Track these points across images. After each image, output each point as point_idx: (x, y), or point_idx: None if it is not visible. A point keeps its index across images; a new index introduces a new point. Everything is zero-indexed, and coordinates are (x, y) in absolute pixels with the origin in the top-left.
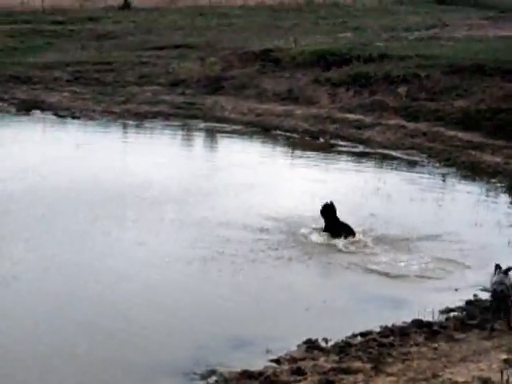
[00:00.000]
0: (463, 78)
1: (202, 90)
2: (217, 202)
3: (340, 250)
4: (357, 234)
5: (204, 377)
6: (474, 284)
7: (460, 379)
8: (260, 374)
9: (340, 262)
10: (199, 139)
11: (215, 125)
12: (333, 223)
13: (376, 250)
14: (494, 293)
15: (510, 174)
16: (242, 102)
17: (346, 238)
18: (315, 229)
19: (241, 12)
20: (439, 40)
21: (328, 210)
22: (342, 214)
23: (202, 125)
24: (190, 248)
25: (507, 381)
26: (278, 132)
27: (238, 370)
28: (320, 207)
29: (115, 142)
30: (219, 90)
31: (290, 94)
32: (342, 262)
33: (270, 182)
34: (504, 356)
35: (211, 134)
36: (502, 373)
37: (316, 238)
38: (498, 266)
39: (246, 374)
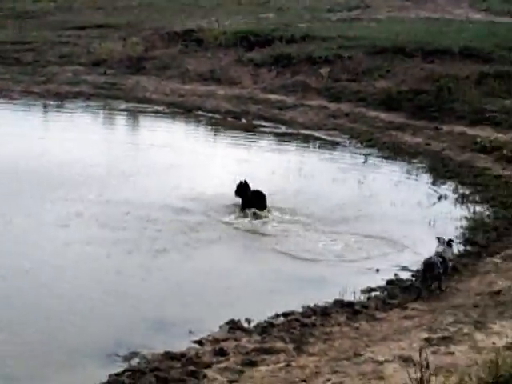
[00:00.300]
0: (385, 59)
1: (123, 71)
2: (139, 183)
3: (263, 233)
4: (278, 214)
5: (126, 359)
6: (395, 264)
7: (381, 358)
8: (182, 355)
9: (261, 244)
10: (121, 120)
11: (137, 105)
12: (248, 201)
13: (298, 230)
14: (424, 262)
15: (430, 155)
16: (165, 83)
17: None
18: (236, 209)
19: None
20: (361, 21)
21: (242, 189)
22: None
23: (124, 105)
24: (112, 230)
25: (426, 359)
26: (201, 112)
27: (161, 351)
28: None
29: (34, 123)
30: (141, 70)
31: (212, 75)
32: (264, 243)
33: (193, 162)
34: (424, 335)
35: (133, 114)
36: (420, 351)
37: (237, 218)
38: (439, 239)
39: (169, 356)
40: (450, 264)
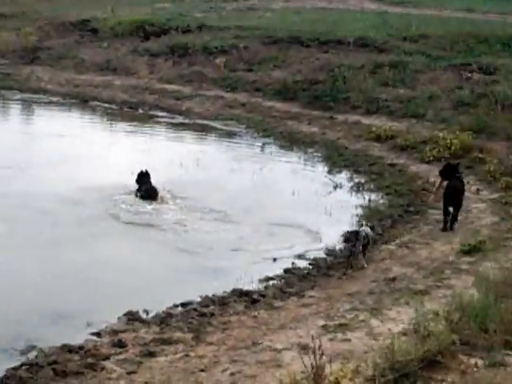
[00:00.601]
0: (280, 49)
1: (17, 61)
2: (34, 175)
3: (160, 224)
4: (174, 205)
5: (24, 352)
6: (292, 253)
7: (279, 346)
8: (80, 347)
9: (158, 235)
10: (16, 110)
11: (32, 96)
12: (146, 189)
13: (195, 220)
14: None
15: (326, 144)
16: (60, 73)
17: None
18: (131, 198)
19: None
20: (257, 11)
21: (143, 178)
22: (162, 185)
23: (18, 96)
24: (5, 223)
25: (320, 346)
26: (97, 103)
27: (58, 344)
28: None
29: None
30: (36, 60)
31: (108, 65)
32: (161, 234)
33: (90, 153)
34: (321, 322)
35: (28, 105)
36: (312, 338)
37: (132, 207)
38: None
39: (66, 349)
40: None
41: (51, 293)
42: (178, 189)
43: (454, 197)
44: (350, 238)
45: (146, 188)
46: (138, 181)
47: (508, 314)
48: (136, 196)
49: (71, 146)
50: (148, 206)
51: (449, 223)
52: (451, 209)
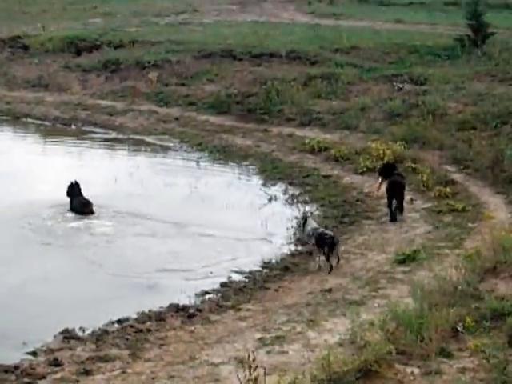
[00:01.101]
0: (214, 62)
1: None
2: None
3: (90, 241)
4: (107, 220)
5: None
6: (228, 266)
7: (216, 360)
8: (16, 367)
9: (90, 251)
10: None
11: None
12: (77, 201)
13: (128, 235)
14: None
15: (260, 157)
16: None
17: (88, 213)
18: (61, 213)
19: None
20: (189, 25)
21: (73, 189)
22: (95, 200)
23: None
24: None
25: (254, 360)
26: (29, 120)
27: None
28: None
29: None
30: None
31: (40, 81)
32: (92, 250)
33: (19, 169)
34: (258, 335)
35: None
36: (248, 352)
37: (60, 224)
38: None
39: (2, 368)
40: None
41: None
42: (111, 203)
43: (395, 190)
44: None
45: (78, 200)
46: (68, 193)
47: (443, 323)
48: (69, 210)
49: (2, 162)
50: (79, 222)
51: (395, 215)
52: (394, 201)
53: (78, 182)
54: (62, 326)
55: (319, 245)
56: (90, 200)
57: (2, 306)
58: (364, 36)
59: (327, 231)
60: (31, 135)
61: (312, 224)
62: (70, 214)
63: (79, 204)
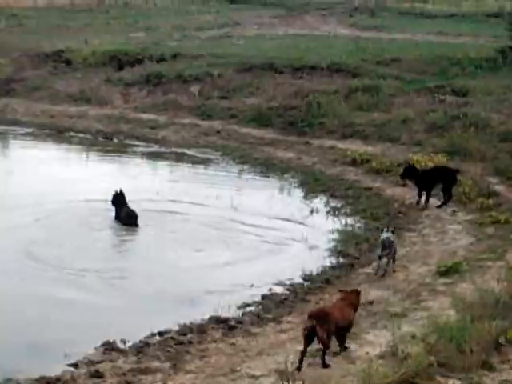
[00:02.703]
0: (255, 75)
1: None
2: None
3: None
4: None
5: None
6: (269, 278)
7: (257, 373)
8: (58, 379)
9: (131, 264)
10: None
11: (7, 128)
12: (122, 211)
13: (166, 248)
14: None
15: (301, 169)
16: (35, 104)
17: (133, 225)
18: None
19: (31, 13)
20: (231, 39)
21: (118, 199)
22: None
23: None
24: None
25: (293, 372)
26: (72, 133)
27: (36, 376)
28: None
29: None
30: (10, 92)
31: (82, 95)
32: (134, 262)
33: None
34: (299, 347)
35: (3, 137)
36: (286, 364)
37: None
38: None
39: (44, 380)
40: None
41: (27, 324)
42: (154, 216)
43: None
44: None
45: (125, 211)
46: (113, 202)
47: (484, 335)
48: (116, 219)
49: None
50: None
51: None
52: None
53: (123, 191)
54: (103, 338)
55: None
56: (136, 212)
57: (45, 317)
58: (405, 48)
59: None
60: (75, 149)
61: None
62: (117, 224)
63: (126, 215)
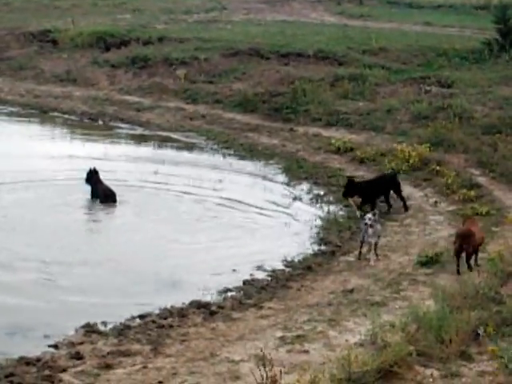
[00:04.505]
0: (241, 61)
1: None
2: None
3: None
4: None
5: None
6: (251, 264)
7: (237, 357)
8: (38, 359)
9: (111, 244)
10: None
11: None
12: (99, 189)
13: (149, 229)
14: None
15: (286, 156)
16: (19, 84)
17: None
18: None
19: None
20: (218, 23)
21: (92, 176)
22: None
23: None
24: None
25: (271, 357)
26: (57, 114)
27: (15, 356)
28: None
29: None
30: None
31: (68, 76)
32: (114, 243)
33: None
34: (280, 333)
35: None
36: (262, 350)
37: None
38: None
39: (24, 361)
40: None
41: (6, 305)
42: (136, 200)
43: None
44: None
45: (102, 189)
46: (87, 180)
47: (464, 325)
48: (92, 198)
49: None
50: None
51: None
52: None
53: (97, 168)
54: (83, 320)
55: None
56: (113, 190)
57: (26, 298)
58: (392, 38)
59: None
60: (59, 129)
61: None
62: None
63: (103, 193)
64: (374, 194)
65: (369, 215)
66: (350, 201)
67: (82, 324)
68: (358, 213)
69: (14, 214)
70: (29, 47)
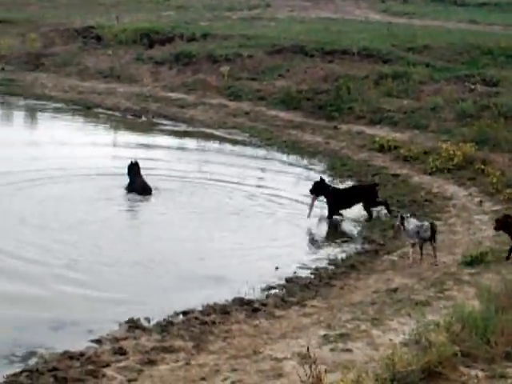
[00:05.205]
0: (285, 58)
1: (22, 67)
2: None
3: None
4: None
5: (24, 359)
6: (294, 262)
7: (280, 355)
8: (81, 354)
9: (154, 241)
10: (19, 117)
11: (35, 102)
12: (136, 181)
13: (189, 225)
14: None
15: (329, 154)
16: (64, 80)
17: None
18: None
19: None
20: (262, 20)
21: (132, 168)
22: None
23: (22, 102)
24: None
25: (315, 356)
26: (100, 110)
27: (59, 351)
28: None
29: None
30: (40, 66)
31: (112, 72)
32: (156, 240)
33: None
34: (323, 332)
35: (31, 111)
36: (308, 349)
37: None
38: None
39: (67, 355)
40: None
41: (52, 300)
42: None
43: None
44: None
45: (140, 182)
46: (129, 173)
47: (509, 326)
48: (127, 190)
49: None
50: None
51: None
52: None
53: (138, 161)
54: (127, 316)
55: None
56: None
57: (70, 293)
58: (437, 35)
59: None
60: (102, 126)
61: (414, 223)
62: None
63: (140, 186)
64: (341, 203)
65: (402, 216)
66: (312, 199)
67: (125, 319)
68: (308, 213)
69: (51, 209)
70: (73, 43)
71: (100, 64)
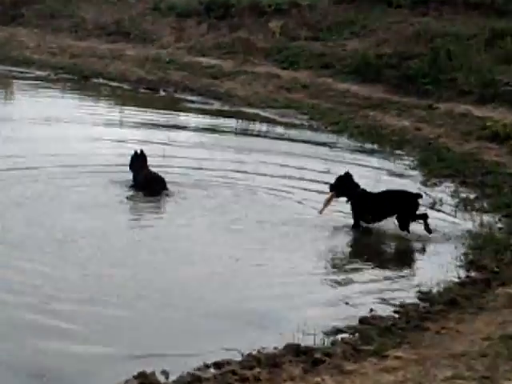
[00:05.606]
0: (360, 9)
1: None
2: None
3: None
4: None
5: None
6: (370, 295)
7: None
8: None
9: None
10: None
11: (11, 68)
12: (145, 177)
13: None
14: None
15: (421, 144)
16: (51, 38)
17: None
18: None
19: None
20: None
21: (135, 160)
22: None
23: None
24: None
25: None
26: (102, 81)
27: None
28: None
29: None
30: (18, 19)
31: (118, 28)
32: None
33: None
34: None
35: (5, 81)
36: None
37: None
38: None
39: None
40: None
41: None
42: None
43: None
44: None
45: (145, 175)
46: (131, 166)
47: None
48: (132, 187)
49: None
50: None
51: None
52: None
53: (144, 151)
54: (137, 368)
55: None
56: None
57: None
58: None
59: None
60: (104, 103)
61: None
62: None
63: (145, 178)
64: (369, 211)
65: None
66: (329, 197)
67: (134, 374)
68: (319, 211)
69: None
70: None
71: (102, 16)
